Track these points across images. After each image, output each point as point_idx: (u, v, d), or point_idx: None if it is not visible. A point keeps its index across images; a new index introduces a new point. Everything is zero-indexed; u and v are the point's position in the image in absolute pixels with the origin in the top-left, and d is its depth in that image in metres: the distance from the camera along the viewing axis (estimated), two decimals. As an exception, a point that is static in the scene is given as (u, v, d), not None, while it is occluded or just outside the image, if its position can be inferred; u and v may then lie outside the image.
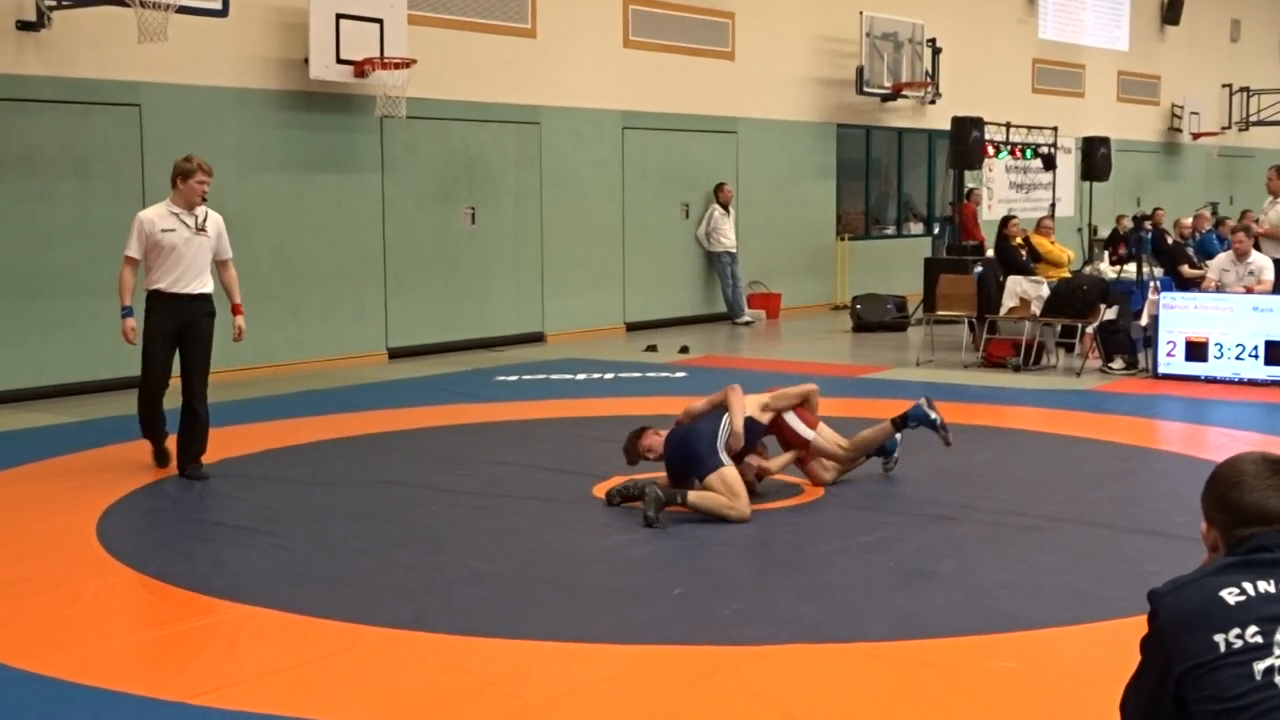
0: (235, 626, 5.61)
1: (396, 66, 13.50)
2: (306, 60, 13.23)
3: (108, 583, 6.28)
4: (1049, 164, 20.16)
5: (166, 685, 4.89)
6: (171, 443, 8.72)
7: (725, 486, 7.29)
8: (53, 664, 5.12)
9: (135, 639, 5.46)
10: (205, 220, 8.49)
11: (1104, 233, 22.06)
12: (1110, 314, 13.26)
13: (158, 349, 8.50)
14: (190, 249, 8.41)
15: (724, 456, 7.43)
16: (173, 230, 8.35)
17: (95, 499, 7.84)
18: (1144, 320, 13.06)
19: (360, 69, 13.43)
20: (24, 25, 11.42)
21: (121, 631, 5.56)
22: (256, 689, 4.87)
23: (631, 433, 7.88)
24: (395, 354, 14.47)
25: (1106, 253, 19.51)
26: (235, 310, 8.73)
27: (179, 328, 8.47)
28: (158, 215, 8.42)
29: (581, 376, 12.73)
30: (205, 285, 8.52)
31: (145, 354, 8.52)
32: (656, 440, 7.76)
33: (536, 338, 15.95)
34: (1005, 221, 15.56)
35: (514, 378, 12.78)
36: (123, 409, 11.00)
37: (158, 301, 8.44)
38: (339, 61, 13.33)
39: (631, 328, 17.12)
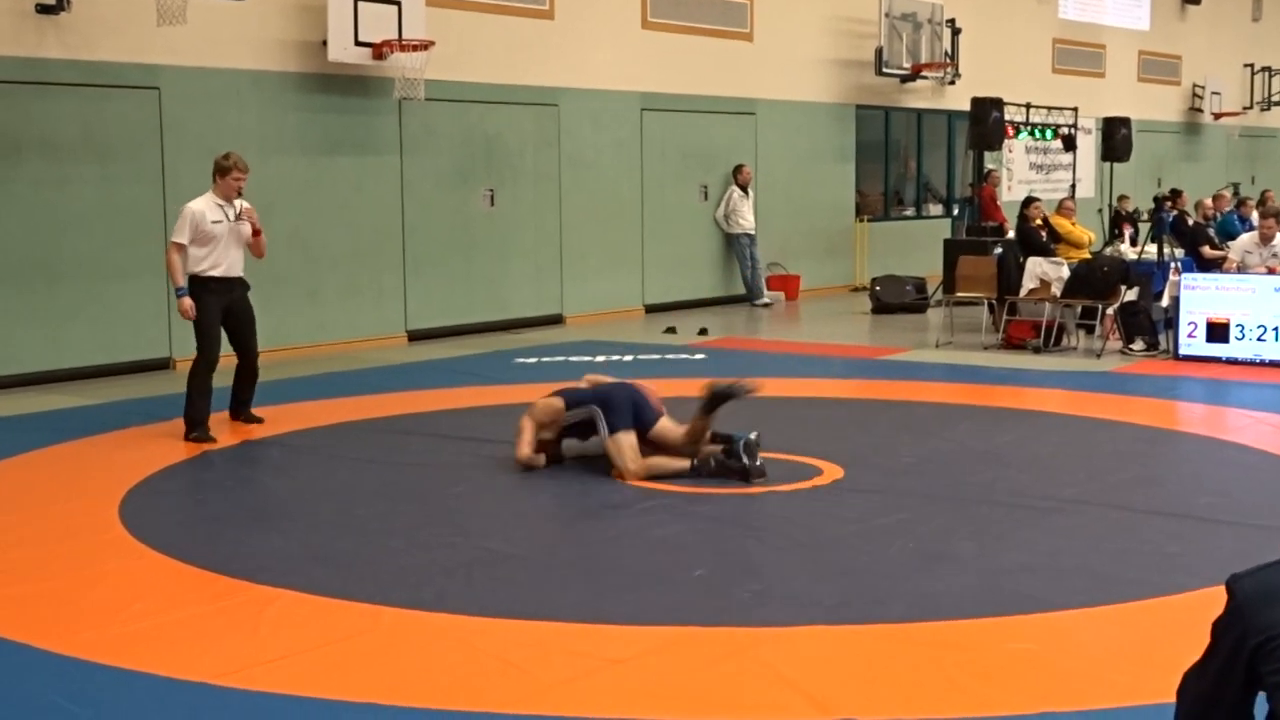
0: (257, 608, 5.63)
1: (415, 48, 13.49)
2: (325, 43, 13.23)
3: (130, 564, 6.31)
4: (1069, 145, 20.07)
5: (189, 666, 4.92)
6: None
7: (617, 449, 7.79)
8: (76, 645, 5.15)
9: (158, 620, 5.49)
10: (240, 210, 9.37)
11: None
12: (1131, 295, 13.22)
13: (215, 324, 9.37)
14: (233, 237, 9.32)
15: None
16: (219, 221, 9.24)
17: (117, 481, 7.87)
18: (1165, 301, 13.01)
19: (378, 51, 13.42)
20: (44, 9, 11.44)
21: (144, 613, 5.58)
22: (278, 670, 4.90)
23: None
24: (414, 336, 14.50)
25: (1128, 234, 19.43)
26: (255, 233, 9.47)
27: (227, 306, 9.37)
28: (206, 207, 9.24)
29: (600, 358, 12.73)
30: (242, 267, 9.46)
31: (206, 332, 9.34)
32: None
33: (555, 320, 15.96)
34: (1027, 203, 15.50)
35: (533, 360, 12.79)
36: (143, 391, 11.07)
37: (209, 285, 9.26)
38: (357, 44, 13.32)
39: (650, 310, 17.12)
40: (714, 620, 5.38)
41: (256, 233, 9.43)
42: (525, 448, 8.10)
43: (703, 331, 14.94)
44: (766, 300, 18.06)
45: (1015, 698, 4.59)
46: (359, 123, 13.89)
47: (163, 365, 12.38)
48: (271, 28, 13.11)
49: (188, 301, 9.21)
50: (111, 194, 12.01)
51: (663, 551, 6.49)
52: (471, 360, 12.93)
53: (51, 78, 11.59)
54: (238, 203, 9.35)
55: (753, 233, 18.02)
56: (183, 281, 9.21)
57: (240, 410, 9.72)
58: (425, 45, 13.51)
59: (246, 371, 9.66)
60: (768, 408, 10.08)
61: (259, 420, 9.68)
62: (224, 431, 9.39)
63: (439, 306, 14.77)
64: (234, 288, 9.39)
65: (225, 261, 9.28)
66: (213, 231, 9.18)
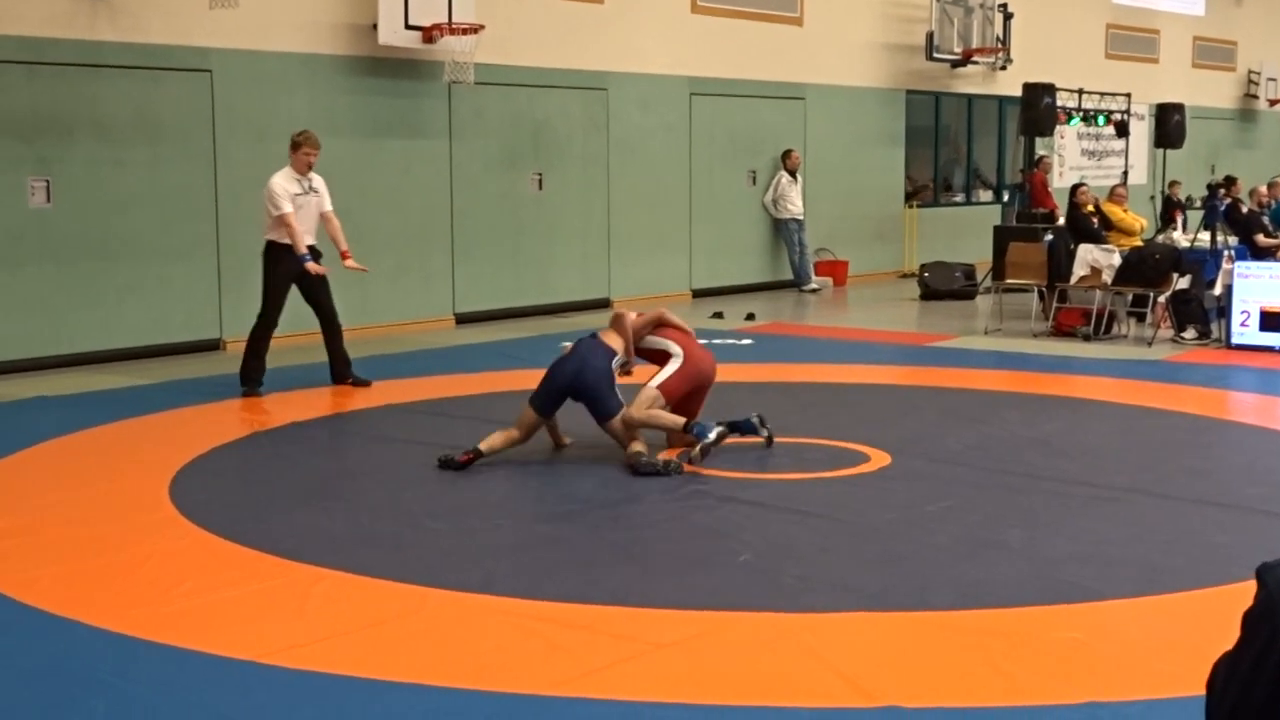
0: (304, 587, 5.67)
1: (464, 32, 13.51)
2: (375, 26, 13.27)
3: (180, 543, 6.36)
4: (1122, 131, 19.89)
5: (237, 644, 4.96)
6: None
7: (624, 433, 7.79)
8: (126, 622, 5.21)
9: (206, 598, 5.54)
10: (313, 183, 10.18)
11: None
12: (1183, 283, 13.09)
13: (282, 293, 10.12)
14: (308, 208, 10.11)
15: (619, 398, 7.85)
16: (298, 194, 10.02)
17: (168, 460, 7.94)
18: (1217, 290, 12.89)
19: (428, 34, 13.45)
20: (97, -9, 11.54)
21: (193, 591, 5.63)
22: (325, 649, 4.93)
23: None
24: (462, 319, 14.54)
25: (1179, 221, 19.24)
26: (344, 256, 10.30)
27: (299, 274, 10.02)
28: (286, 180, 10.04)
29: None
30: (314, 237, 10.22)
31: (273, 296, 10.09)
32: None
33: (603, 303, 15.96)
34: (1075, 189, 15.38)
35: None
36: (194, 372, 11.16)
37: (283, 253, 9.98)
38: (407, 27, 13.36)
39: (697, 294, 17.10)
40: (758, 605, 5.37)
41: (345, 255, 10.30)
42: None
43: (750, 317, 14.91)
44: (814, 286, 18.01)
45: (1061, 687, 4.56)
46: (409, 106, 13.93)
47: (213, 346, 12.47)
48: (322, 11, 13.16)
49: (314, 265, 10.01)
50: (163, 176, 12.10)
51: (707, 536, 6.49)
52: (518, 344, 12.95)
53: (104, 60, 11.68)
54: (310, 175, 10.12)
55: (801, 218, 17.96)
56: (304, 248, 9.98)
57: (344, 373, 10.34)
58: (475, 29, 13.53)
59: (334, 333, 10.31)
60: (815, 394, 10.07)
61: (366, 382, 10.34)
62: (273, 411, 9.45)
63: (487, 290, 14.81)
64: (307, 257, 10.02)
65: (307, 232, 10.08)
66: (296, 203, 9.96)
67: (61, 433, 8.78)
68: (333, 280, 12.99)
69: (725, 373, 9.02)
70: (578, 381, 7.88)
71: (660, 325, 8.27)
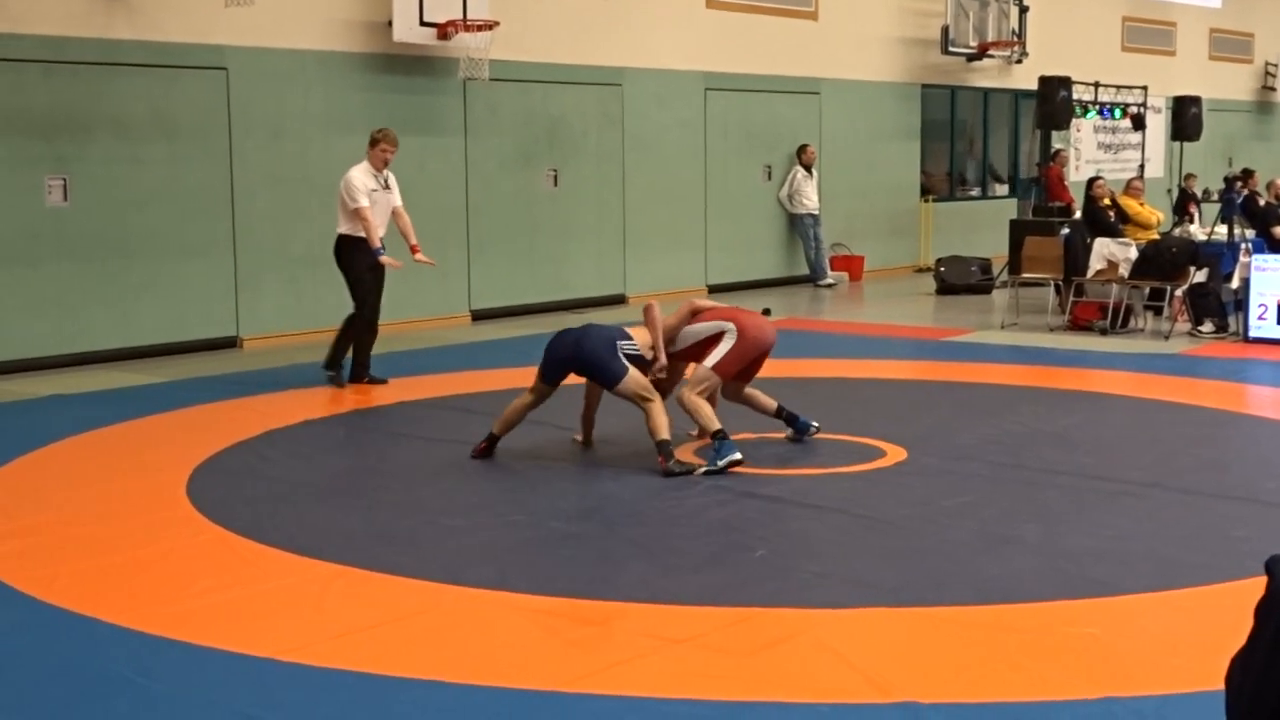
0: (321, 584, 5.69)
1: (479, 28, 13.52)
2: (390, 23, 13.29)
3: (197, 540, 6.39)
4: (1138, 124, 19.82)
5: (255, 641, 4.98)
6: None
7: (641, 387, 7.74)
8: (143, 619, 5.23)
9: (223, 595, 5.56)
10: (388, 179, 10.43)
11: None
12: (1200, 276, 13.05)
13: (367, 283, 10.32)
14: (382, 204, 10.32)
15: (624, 361, 7.81)
16: (375, 189, 10.26)
17: (185, 457, 7.97)
18: (1235, 283, 12.85)
19: (443, 31, 13.46)
20: (113, -10, 11.57)
21: (210, 588, 5.65)
22: (341, 646, 4.95)
23: None
24: (478, 316, 14.55)
25: (1195, 214, 19.18)
26: (414, 250, 10.50)
27: (372, 266, 10.25)
28: (364, 175, 10.28)
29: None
30: (384, 232, 10.39)
31: (360, 288, 10.32)
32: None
33: (618, 299, 15.96)
34: (1092, 182, 15.34)
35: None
36: (211, 370, 11.19)
37: (361, 245, 10.17)
38: (422, 24, 13.36)
39: (713, 289, 17.07)
40: (774, 601, 5.38)
41: (414, 249, 10.51)
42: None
43: (766, 312, 14.69)
44: (830, 281, 17.99)
45: (1078, 682, 4.56)
46: (424, 103, 13.94)
47: (229, 344, 12.50)
48: (337, 8, 13.18)
49: (388, 259, 10.22)
50: (180, 173, 12.13)
51: (724, 532, 6.49)
52: (534, 340, 12.93)
53: (121, 59, 11.71)
54: (386, 172, 10.38)
55: (816, 213, 17.94)
56: (379, 242, 10.17)
57: (364, 374, 10.40)
58: (490, 25, 13.54)
59: (372, 334, 10.44)
60: (831, 389, 10.07)
61: (383, 381, 10.41)
62: (290, 408, 9.48)
63: (502, 286, 14.82)
64: (381, 250, 10.26)
65: (381, 226, 10.29)
66: (372, 199, 10.19)
67: (78, 431, 8.81)
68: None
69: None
70: (578, 351, 7.85)
71: (695, 315, 8.18)
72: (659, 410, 7.70)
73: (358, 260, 10.23)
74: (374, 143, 10.40)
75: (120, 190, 11.78)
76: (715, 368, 7.90)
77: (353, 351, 10.43)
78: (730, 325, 8.00)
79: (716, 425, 7.72)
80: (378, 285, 10.39)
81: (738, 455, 7.58)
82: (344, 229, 10.27)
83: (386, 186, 10.40)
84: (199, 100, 12.26)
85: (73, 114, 11.47)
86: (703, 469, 7.56)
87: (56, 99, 11.36)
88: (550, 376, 8.03)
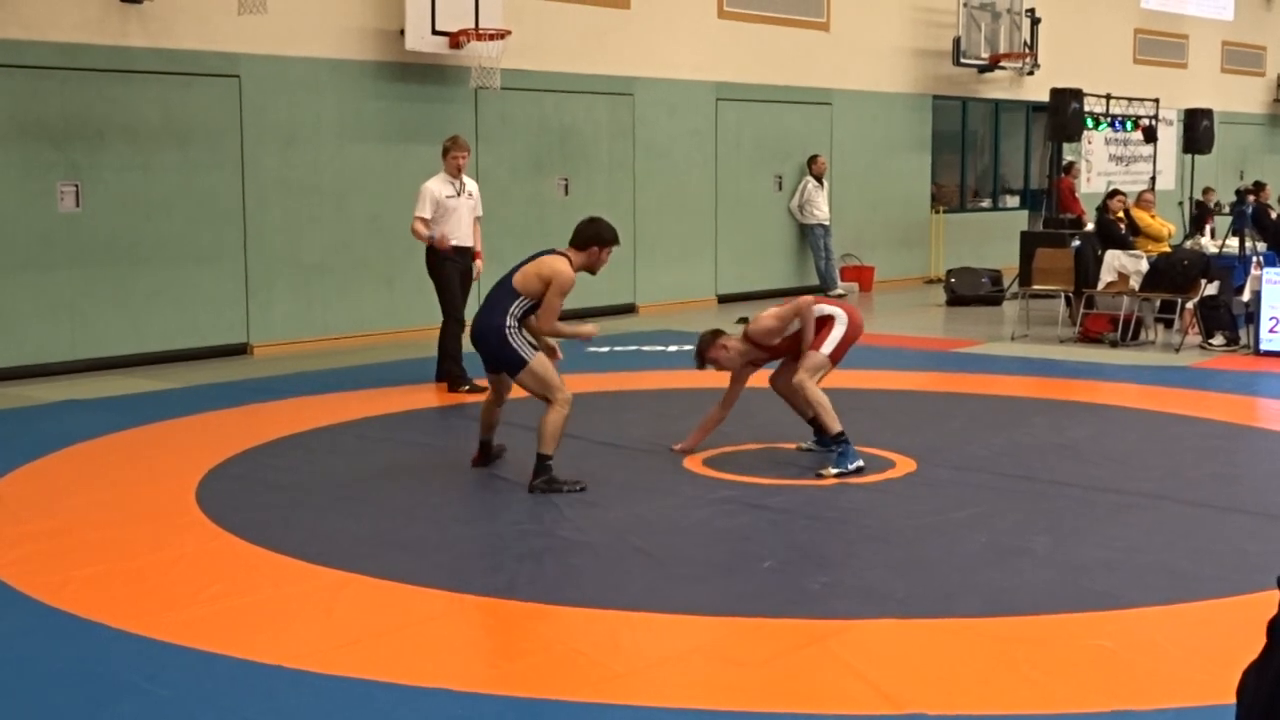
0: (331, 592, 5.69)
1: (491, 38, 13.54)
2: (402, 31, 13.32)
3: (206, 547, 6.39)
4: (1150, 136, 19.81)
5: (263, 648, 4.98)
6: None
7: (535, 380, 7.44)
8: (152, 625, 5.23)
9: (233, 602, 5.56)
10: (465, 187, 10.69)
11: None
12: (1211, 289, 13.03)
13: (452, 288, 10.63)
14: (460, 210, 10.63)
15: (522, 343, 7.46)
16: (451, 196, 10.59)
17: (195, 464, 7.97)
18: (1246, 296, 12.82)
19: (455, 40, 13.48)
20: (127, -3, 11.60)
21: (220, 595, 5.65)
22: (351, 654, 4.94)
23: (705, 335, 8.48)
24: (488, 324, 14.52)
25: (1209, 228, 19.15)
26: (476, 255, 10.81)
27: (463, 270, 10.65)
28: (439, 183, 10.60)
29: (673, 348, 12.73)
30: (470, 238, 10.73)
31: (451, 292, 10.62)
32: (723, 353, 8.28)
33: (628, 309, 15.97)
34: (1112, 195, 15.31)
35: (605, 349, 12.80)
36: (222, 376, 11.20)
37: (446, 253, 10.48)
38: (434, 33, 13.39)
39: (723, 300, 17.09)
40: (783, 611, 5.37)
41: (476, 255, 10.77)
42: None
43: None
44: (841, 291, 17.95)
45: (1089, 695, 4.54)
46: (435, 111, 13.96)
47: (240, 350, 12.52)
48: (350, 17, 13.21)
49: (442, 238, 10.41)
50: (192, 180, 12.15)
51: (733, 542, 6.48)
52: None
53: (134, 66, 11.75)
54: (463, 179, 10.70)
55: (827, 223, 17.94)
56: (449, 246, 10.46)
57: (460, 384, 10.45)
58: (502, 34, 13.56)
59: (458, 328, 10.48)
60: (841, 399, 10.04)
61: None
62: (300, 416, 9.48)
63: (513, 295, 14.79)
64: (464, 255, 10.63)
65: (459, 232, 10.58)
66: (447, 205, 10.53)
67: (89, 436, 8.82)
68: (362, 283, 13.09)
69: (752, 379, 9.00)
70: (479, 348, 7.64)
71: (798, 312, 8.15)
72: (557, 416, 7.42)
73: (446, 267, 10.55)
74: (445, 151, 10.72)
75: (133, 196, 11.80)
76: (831, 354, 8.03)
77: (454, 365, 10.58)
78: (840, 312, 8.13)
79: (839, 427, 7.81)
80: (464, 288, 10.67)
81: (861, 462, 7.75)
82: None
83: (465, 193, 10.67)
84: (212, 107, 12.29)
85: (86, 120, 11.50)
86: (833, 471, 7.65)
87: (70, 105, 11.40)
88: (486, 365, 7.77)
